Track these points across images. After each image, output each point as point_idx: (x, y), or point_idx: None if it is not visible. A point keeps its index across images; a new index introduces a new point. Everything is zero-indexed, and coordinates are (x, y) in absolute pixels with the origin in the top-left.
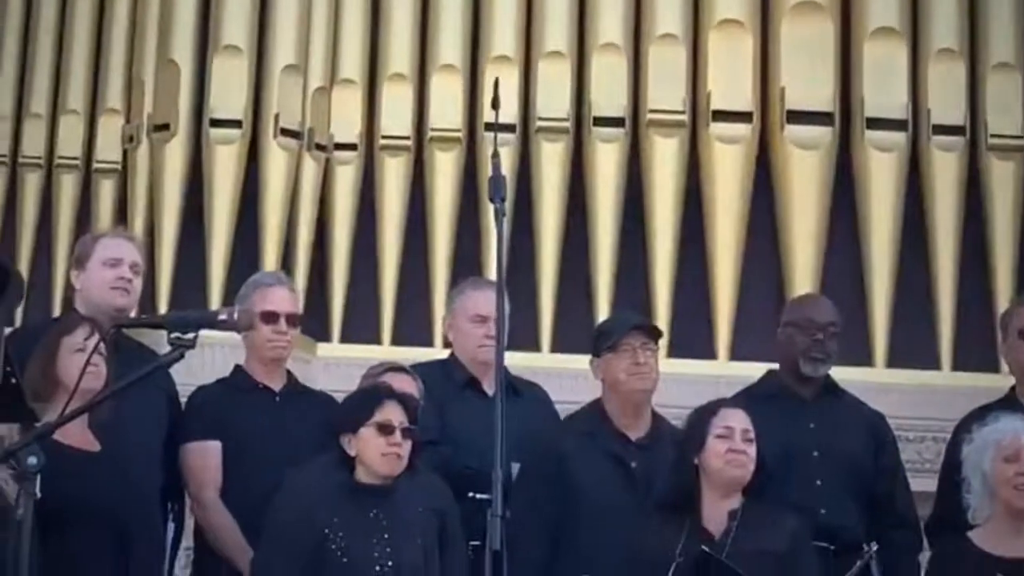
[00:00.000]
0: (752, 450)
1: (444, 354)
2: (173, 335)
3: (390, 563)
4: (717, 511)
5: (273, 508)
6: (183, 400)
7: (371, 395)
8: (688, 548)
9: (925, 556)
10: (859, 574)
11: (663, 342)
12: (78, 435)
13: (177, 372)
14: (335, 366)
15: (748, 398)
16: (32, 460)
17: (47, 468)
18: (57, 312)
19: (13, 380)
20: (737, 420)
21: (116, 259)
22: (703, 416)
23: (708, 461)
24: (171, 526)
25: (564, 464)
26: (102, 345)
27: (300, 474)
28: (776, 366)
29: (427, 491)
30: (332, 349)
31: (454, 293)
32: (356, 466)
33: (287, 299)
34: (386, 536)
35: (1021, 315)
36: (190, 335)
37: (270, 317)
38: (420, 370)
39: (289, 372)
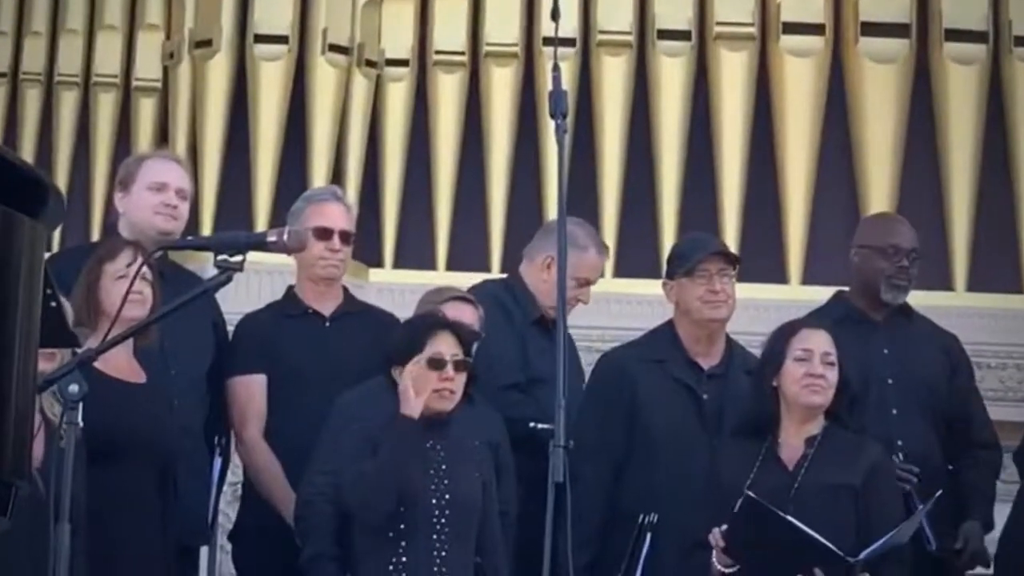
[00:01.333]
0: (832, 374)
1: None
2: (220, 257)
3: (447, 496)
4: (795, 438)
5: (327, 429)
6: (230, 329)
7: (422, 326)
8: (759, 479)
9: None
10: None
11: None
12: (124, 366)
13: (225, 300)
14: (388, 292)
15: (818, 321)
16: (73, 388)
17: (91, 398)
18: (96, 237)
19: (54, 303)
20: (817, 342)
21: (162, 183)
22: (782, 336)
23: (785, 385)
24: (217, 460)
25: (633, 390)
26: (147, 270)
27: (353, 397)
28: (846, 288)
29: (482, 423)
30: (385, 275)
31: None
32: None
33: (342, 215)
34: (443, 468)
35: None
36: (238, 257)
37: (324, 233)
38: (489, 295)
39: (345, 290)
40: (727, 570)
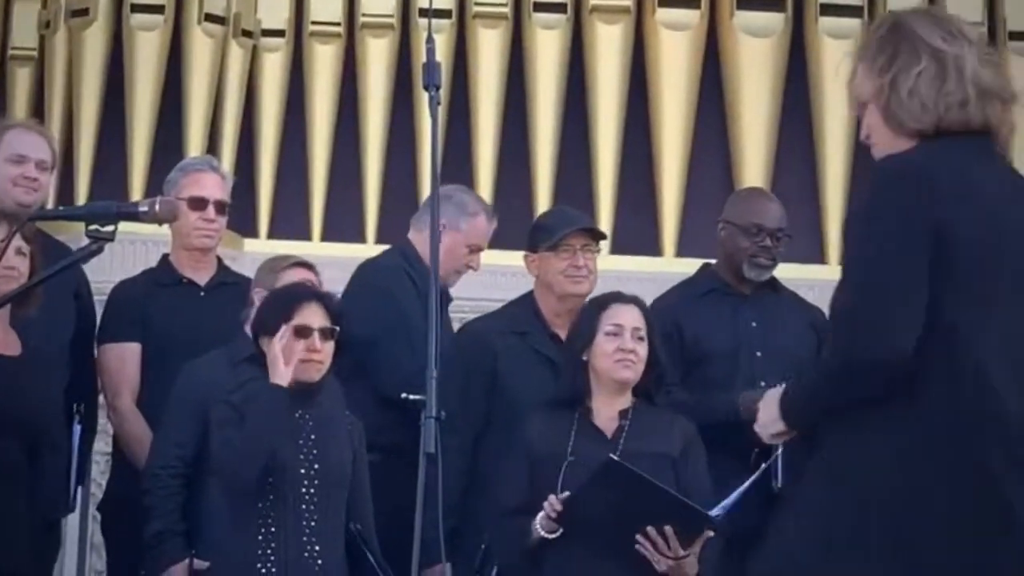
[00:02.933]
0: (643, 349)
1: (375, 251)
2: (91, 227)
3: (316, 466)
4: (608, 409)
5: (173, 398)
6: (102, 298)
7: (289, 296)
8: (579, 447)
9: None
10: (761, 477)
11: (607, 237)
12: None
13: (100, 270)
14: (263, 262)
15: (684, 294)
16: None
17: None
18: None
19: None
20: (628, 317)
21: (21, 156)
22: (593, 311)
23: (596, 359)
24: (76, 428)
25: (494, 361)
26: (23, 244)
27: (197, 365)
28: (714, 260)
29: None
30: (260, 245)
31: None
32: None
33: (217, 185)
34: (312, 438)
35: None
36: (109, 227)
37: (198, 203)
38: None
39: (220, 261)
40: (550, 535)
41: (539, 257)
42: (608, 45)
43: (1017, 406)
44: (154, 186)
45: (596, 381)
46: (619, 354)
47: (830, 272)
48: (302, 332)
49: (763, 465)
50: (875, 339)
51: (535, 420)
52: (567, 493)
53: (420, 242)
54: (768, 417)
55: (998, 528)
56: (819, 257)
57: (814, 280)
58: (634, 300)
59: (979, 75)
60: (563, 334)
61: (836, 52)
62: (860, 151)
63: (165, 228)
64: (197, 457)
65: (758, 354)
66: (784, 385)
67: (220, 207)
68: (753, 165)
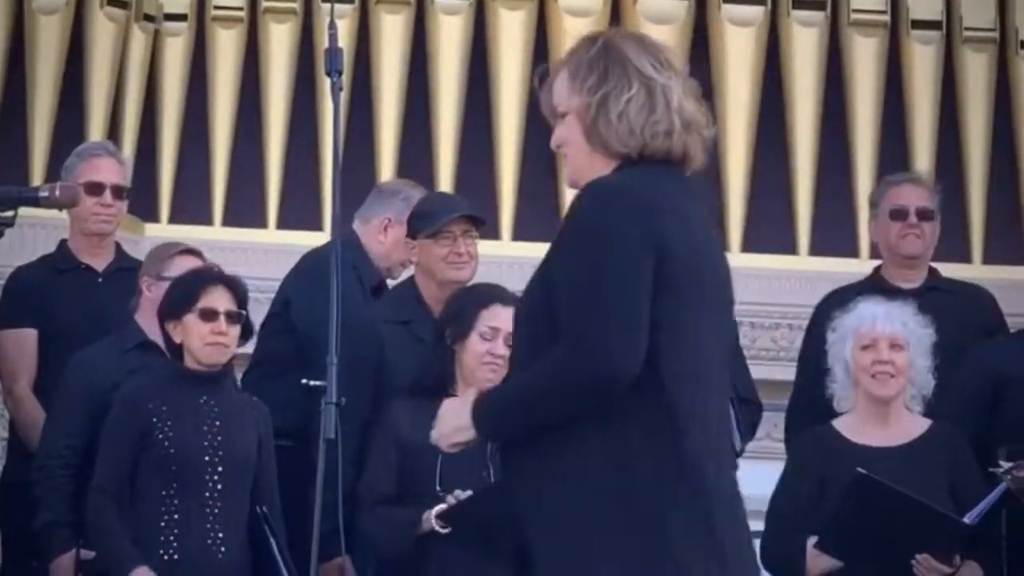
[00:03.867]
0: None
1: (279, 237)
2: None
3: (221, 453)
4: None
5: (63, 388)
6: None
7: (196, 280)
8: None
9: None
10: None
11: (506, 225)
12: None
13: None
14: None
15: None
16: None
17: None
18: None
19: None
20: (506, 321)
21: None
22: (473, 305)
23: (466, 356)
24: None
25: (381, 350)
26: None
27: (91, 353)
28: None
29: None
30: (161, 229)
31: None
32: (185, 355)
33: (115, 170)
34: (217, 424)
35: (894, 194)
36: (8, 212)
37: (95, 188)
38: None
39: (118, 246)
40: (443, 530)
41: (419, 244)
42: (511, 31)
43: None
44: (55, 170)
45: (462, 373)
46: (488, 357)
47: (733, 259)
48: (208, 315)
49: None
50: (599, 359)
51: (400, 407)
52: (468, 493)
53: (365, 233)
54: (451, 426)
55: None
56: (792, 248)
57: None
58: (515, 301)
59: (684, 106)
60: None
61: (739, 39)
62: (761, 142)
63: (64, 213)
64: (89, 447)
65: None
66: (474, 393)
67: (117, 192)
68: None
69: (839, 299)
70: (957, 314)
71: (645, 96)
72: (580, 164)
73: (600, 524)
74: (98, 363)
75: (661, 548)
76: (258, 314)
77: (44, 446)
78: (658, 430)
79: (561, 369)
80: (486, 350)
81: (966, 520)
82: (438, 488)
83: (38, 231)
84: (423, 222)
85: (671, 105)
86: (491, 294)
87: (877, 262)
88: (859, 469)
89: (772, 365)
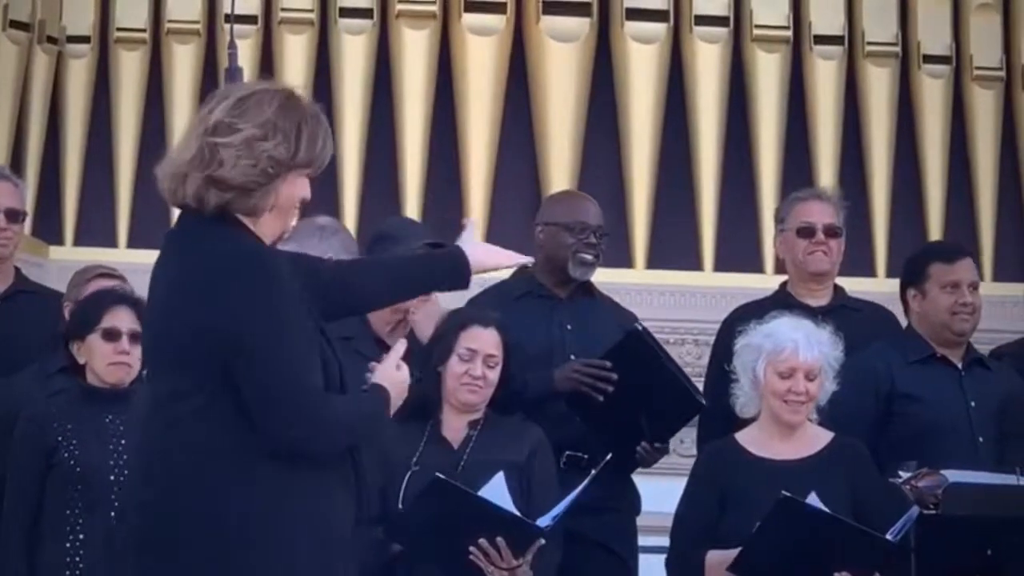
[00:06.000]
0: (493, 374)
1: None
2: None
3: (127, 471)
4: (458, 420)
5: None
6: None
7: (100, 300)
8: (425, 456)
9: None
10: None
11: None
12: None
13: None
14: (69, 269)
15: (500, 295)
16: None
17: None
18: None
19: None
20: (484, 342)
21: None
22: (453, 328)
23: (447, 377)
24: None
25: None
26: None
27: (9, 381)
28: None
29: None
30: (66, 252)
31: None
32: (88, 373)
33: (9, 194)
34: (123, 442)
35: (801, 211)
36: None
37: None
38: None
39: (17, 270)
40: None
41: None
42: (415, 50)
43: None
44: None
45: (446, 395)
46: (467, 378)
47: (637, 276)
48: (111, 335)
49: (592, 472)
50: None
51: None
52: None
53: None
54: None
55: None
56: (626, 262)
57: (622, 284)
58: (494, 322)
59: None
60: (390, 340)
61: (641, 57)
62: (665, 155)
63: None
64: None
65: (572, 356)
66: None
67: (12, 215)
68: (559, 169)
69: (746, 314)
70: (864, 333)
71: None
72: None
73: None
74: (22, 388)
75: None
76: None
77: None
78: None
79: (276, 435)
80: (464, 371)
81: (888, 537)
82: (399, 506)
83: None
84: (386, 243)
85: None
86: (471, 316)
87: (783, 277)
88: (784, 492)
89: None
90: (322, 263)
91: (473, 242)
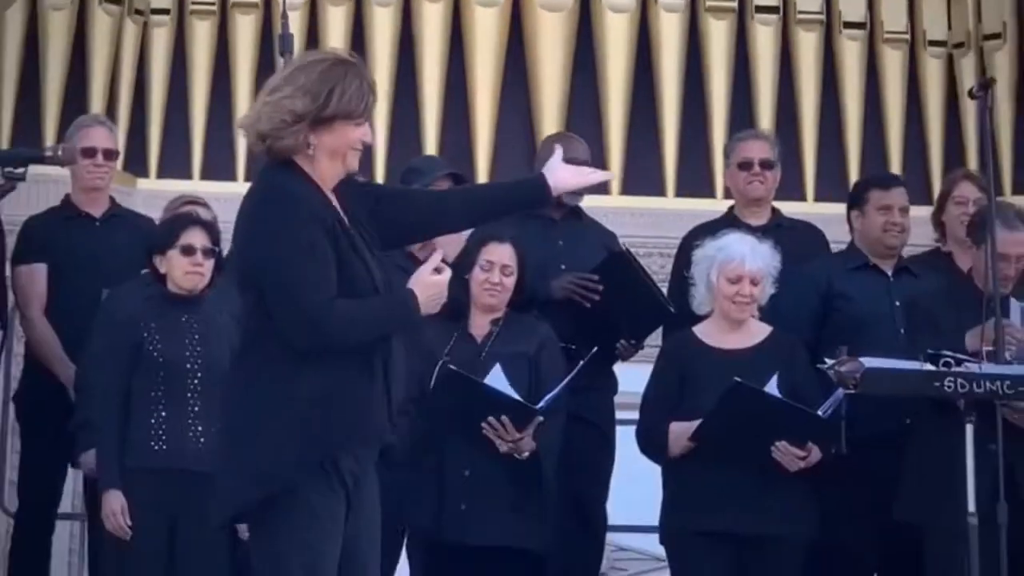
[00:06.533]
0: (510, 281)
1: (245, 188)
2: (6, 169)
3: (200, 361)
4: (482, 319)
5: (99, 320)
6: (13, 228)
7: (178, 221)
8: (455, 350)
9: None
10: (580, 372)
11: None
12: None
13: (14, 205)
14: (153, 197)
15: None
16: None
17: None
18: None
19: None
20: (499, 255)
21: None
22: (476, 243)
23: (472, 285)
24: None
25: None
26: None
27: (118, 292)
28: None
29: (231, 298)
30: (150, 183)
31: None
32: (168, 282)
33: (105, 136)
34: (197, 338)
35: (740, 150)
36: (20, 169)
37: (89, 152)
38: None
39: (112, 198)
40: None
41: None
42: (432, 21)
43: None
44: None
45: (473, 299)
46: (487, 284)
47: (612, 201)
48: (187, 250)
49: (581, 363)
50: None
51: (430, 329)
52: None
53: None
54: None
55: None
56: (605, 189)
57: (601, 207)
58: (509, 239)
59: None
60: (420, 255)
61: (616, 24)
62: (636, 98)
63: (68, 172)
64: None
65: (563, 267)
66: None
67: (108, 154)
68: (550, 115)
69: (701, 232)
70: (796, 246)
71: None
72: None
73: None
74: (126, 295)
75: None
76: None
77: (84, 360)
78: None
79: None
80: (484, 279)
81: (820, 413)
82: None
83: (50, 187)
84: (414, 176)
85: None
86: (490, 234)
87: (730, 202)
88: (736, 378)
89: None
90: (402, 193)
91: (558, 165)
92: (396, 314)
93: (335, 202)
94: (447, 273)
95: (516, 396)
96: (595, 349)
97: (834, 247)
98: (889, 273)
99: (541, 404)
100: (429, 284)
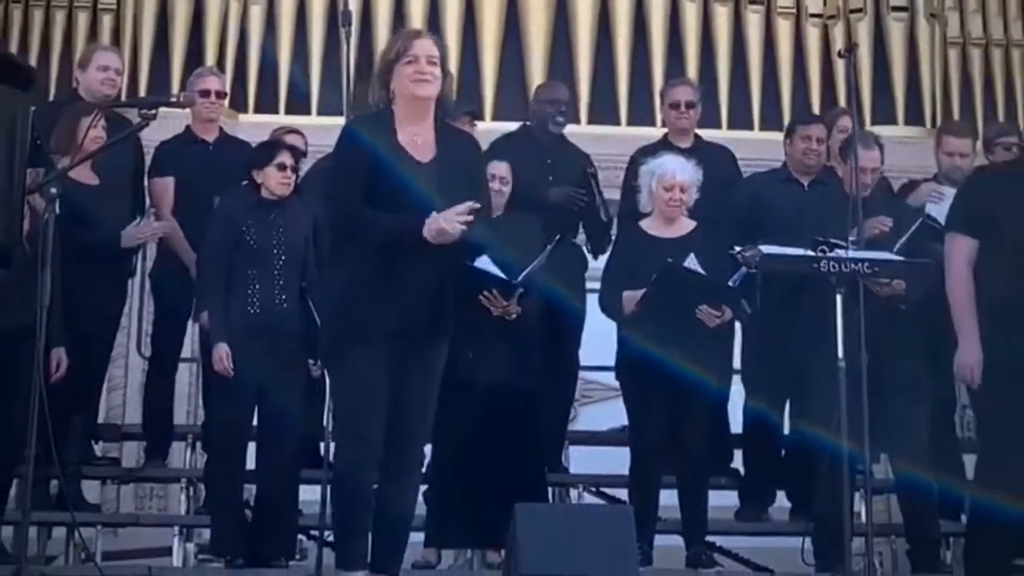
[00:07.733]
0: (507, 189)
1: (318, 120)
2: (142, 111)
3: (284, 247)
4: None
5: (211, 217)
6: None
7: (272, 145)
8: None
9: None
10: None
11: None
12: (85, 175)
13: (149, 133)
14: (252, 127)
15: (508, 139)
16: (53, 189)
17: (63, 196)
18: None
19: (38, 142)
20: (498, 170)
21: (105, 66)
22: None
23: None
24: (138, 219)
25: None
26: (102, 120)
27: (226, 198)
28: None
29: (310, 205)
30: (249, 117)
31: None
32: (262, 190)
33: (216, 81)
34: (280, 230)
35: (671, 93)
36: (153, 111)
37: (204, 93)
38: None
39: (221, 128)
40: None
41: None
42: None
43: None
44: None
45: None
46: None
47: (582, 129)
48: (280, 167)
49: (547, 247)
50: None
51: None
52: None
53: None
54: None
55: None
56: (577, 120)
57: (574, 133)
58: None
59: None
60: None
61: None
62: (599, 55)
63: (188, 110)
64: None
65: (550, 178)
66: None
67: (219, 95)
68: (536, 60)
69: (644, 152)
70: (713, 162)
71: None
72: None
73: None
74: (233, 200)
75: None
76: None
77: (204, 252)
78: None
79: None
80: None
81: (730, 284)
82: None
83: (176, 120)
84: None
85: None
86: (493, 153)
87: (665, 130)
88: (668, 259)
89: (605, 189)
90: None
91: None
92: (399, 229)
93: None
94: (453, 227)
95: (500, 274)
96: (558, 237)
97: (742, 164)
98: (805, 185)
99: (519, 279)
100: (449, 218)
